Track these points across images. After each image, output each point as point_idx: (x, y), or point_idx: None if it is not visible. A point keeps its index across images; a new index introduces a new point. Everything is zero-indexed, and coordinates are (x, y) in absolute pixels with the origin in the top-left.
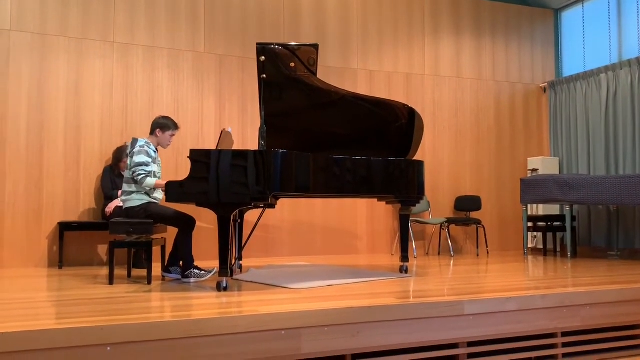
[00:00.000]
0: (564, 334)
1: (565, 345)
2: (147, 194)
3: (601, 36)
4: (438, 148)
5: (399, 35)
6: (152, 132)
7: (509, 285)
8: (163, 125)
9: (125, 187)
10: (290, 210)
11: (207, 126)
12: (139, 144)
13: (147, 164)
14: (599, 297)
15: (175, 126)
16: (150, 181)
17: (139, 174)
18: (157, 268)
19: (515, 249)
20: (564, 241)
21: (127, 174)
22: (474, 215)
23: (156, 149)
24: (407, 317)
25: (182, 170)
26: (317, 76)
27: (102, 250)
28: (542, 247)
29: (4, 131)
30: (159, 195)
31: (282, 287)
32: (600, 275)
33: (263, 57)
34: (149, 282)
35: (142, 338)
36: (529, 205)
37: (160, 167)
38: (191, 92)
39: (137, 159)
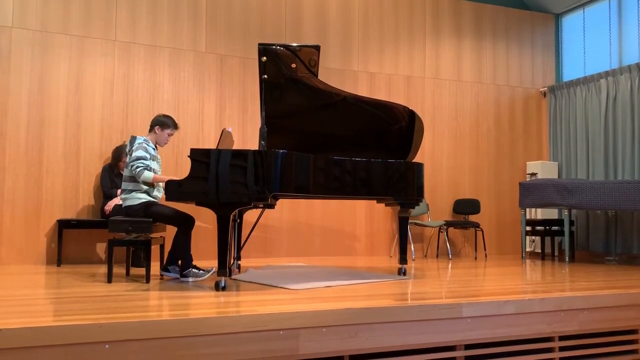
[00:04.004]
0: (561, 338)
1: (562, 349)
2: (147, 192)
3: (601, 41)
4: (437, 151)
5: (399, 37)
6: (151, 129)
7: (507, 289)
8: (162, 123)
9: (124, 185)
10: (289, 211)
11: (208, 126)
12: (137, 141)
13: (145, 158)
14: (596, 301)
15: (174, 126)
16: (148, 174)
17: (137, 167)
18: (155, 267)
19: (513, 252)
20: (562, 245)
21: (126, 171)
22: (472, 218)
23: (155, 147)
24: (405, 319)
25: (182, 170)
26: (318, 77)
27: (101, 248)
28: (540, 251)
29: (4, 128)
30: (159, 193)
31: (281, 287)
32: (598, 280)
33: (264, 58)
34: (148, 281)
35: (140, 336)
36: (527, 209)
37: (161, 165)
38: (192, 91)
39: (135, 154)
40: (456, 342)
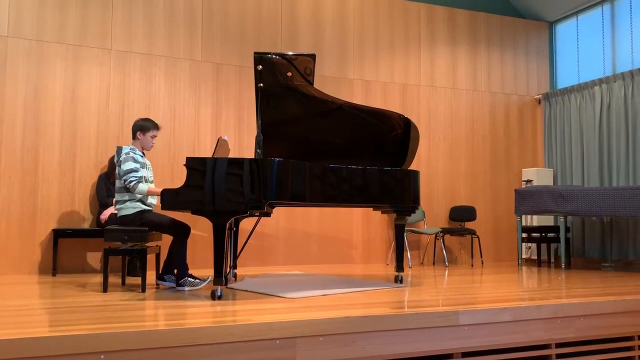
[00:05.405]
0: (558, 345)
1: (559, 356)
2: (141, 201)
3: (595, 49)
4: (433, 158)
5: (395, 45)
6: (134, 136)
7: (504, 296)
8: (143, 127)
9: (118, 196)
10: (285, 219)
11: (204, 134)
12: (124, 151)
13: (136, 170)
14: (593, 308)
15: (155, 126)
16: (143, 187)
17: (131, 181)
18: (151, 276)
19: (509, 259)
20: (558, 252)
21: (118, 183)
22: (468, 225)
23: (143, 153)
24: (401, 327)
25: (178, 178)
26: (314, 86)
27: (96, 257)
28: (536, 257)
29: (0, 136)
30: (154, 201)
31: (277, 296)
32: (594, 286)
33: (260, 66)
34: (143, 290)
35: (136, 346)
36: (523, 216)
37: (152, 171)
38: (188, 99)
39: (125, 166)
40: (453, 350)
